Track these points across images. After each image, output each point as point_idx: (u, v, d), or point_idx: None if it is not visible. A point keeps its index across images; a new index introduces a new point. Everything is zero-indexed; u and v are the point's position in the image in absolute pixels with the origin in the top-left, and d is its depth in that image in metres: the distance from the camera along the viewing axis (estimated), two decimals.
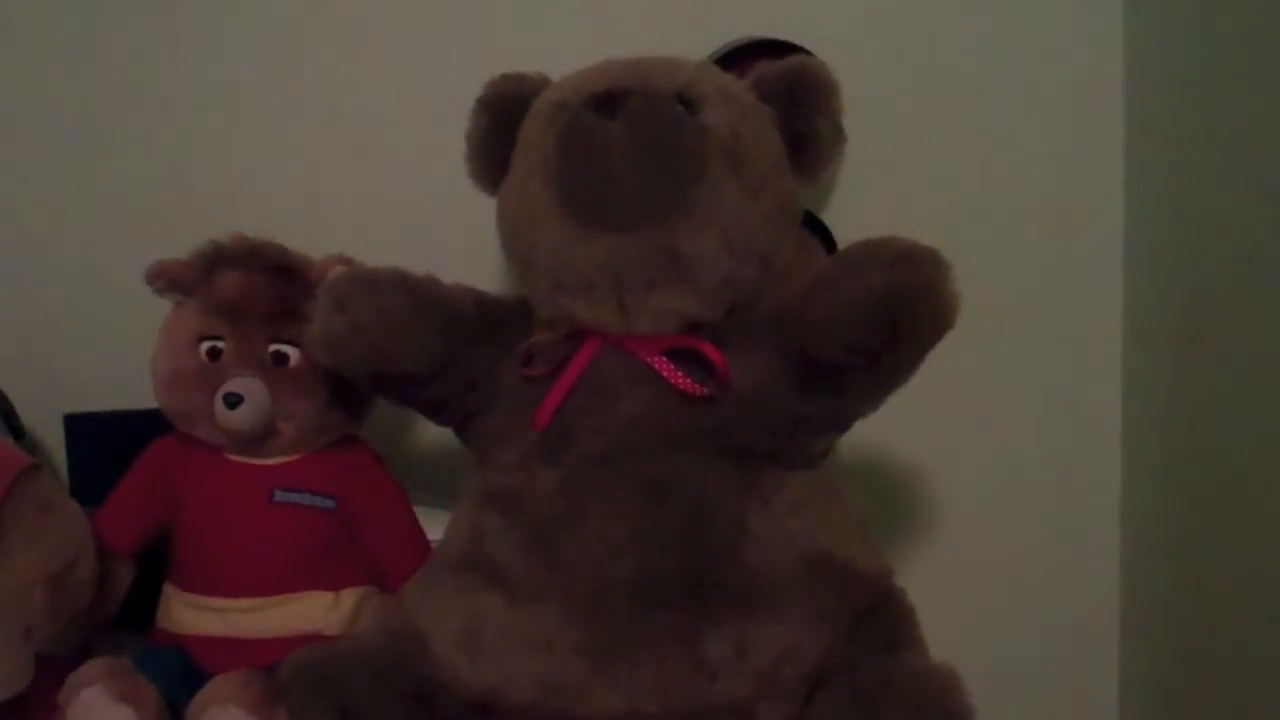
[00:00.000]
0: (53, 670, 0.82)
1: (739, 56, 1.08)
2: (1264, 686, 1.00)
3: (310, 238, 0.94)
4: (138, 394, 0.96)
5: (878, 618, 0.80)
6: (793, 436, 0.82)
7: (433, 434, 1.13)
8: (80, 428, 1.07)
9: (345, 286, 0.83)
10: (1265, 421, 0.99)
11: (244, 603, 0.88)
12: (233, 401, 0.87)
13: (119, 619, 0.92)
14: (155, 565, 0.93)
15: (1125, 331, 1.22)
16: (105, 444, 1.03)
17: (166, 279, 0.92)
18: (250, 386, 0.88)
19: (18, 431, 1.06)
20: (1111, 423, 1.23)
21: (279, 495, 0.90)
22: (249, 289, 0.89)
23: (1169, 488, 1.15)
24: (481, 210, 0.89)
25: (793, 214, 0.85)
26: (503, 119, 0.87)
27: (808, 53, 1.01)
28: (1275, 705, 0.99)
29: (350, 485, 0.92)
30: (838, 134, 0.85)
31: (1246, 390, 1.01)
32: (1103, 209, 1.21)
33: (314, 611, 0.89)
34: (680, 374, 0.80)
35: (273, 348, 0.90)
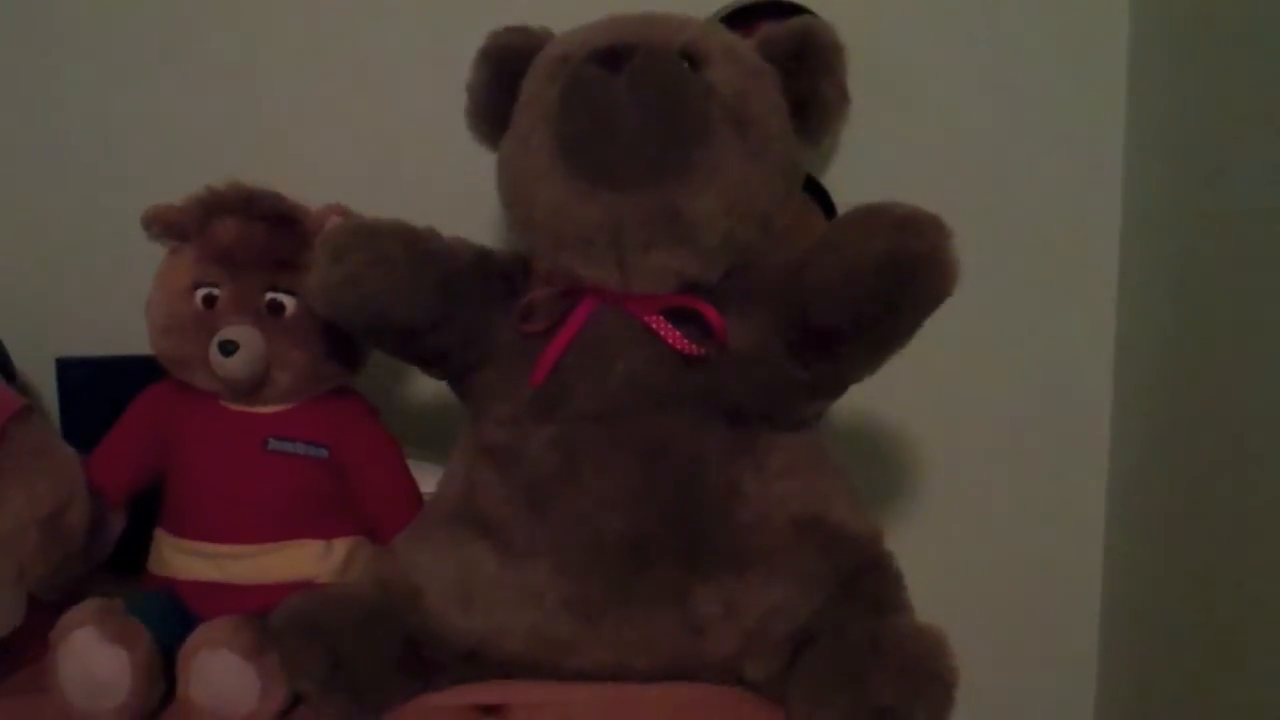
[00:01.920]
0: (45, 612, 0.82)
1: (745, 16, 1.08)
2: (1250, 648, 1.01)
3: (308, 188, 0.93)
4: (131, 339, 0.96)
5: (866, 581, 0.81)
6: (788, 399, 0.83)
7: (428, 387, 1.13)
8: (72, 372, 1.07)
9: (343, 237, 0.83)
10: (1256, 388, 0.99)
11: (236, 549, 0.88)
12: (228, 349, 0.87)
13: (110, 563, 0.92)
14: (147, 509, 0.93)
15: (1120, 298, 1.22)
16: (97, 389, 1.03)
17: (162, 224, 0.91)
18: (246, 334, 0.88)
19: (9, 374, 1.06)
20: (1103, 389, 1.24)
21: (272, 444, 0.90)
22: (246, 237, 0.89)
23: (1157, 455, 1.16)
24: (482, 164, 0.88)
25: (794, 176, 0.85)
26: (505, 72, 0.87)
27: (813, 14, 1.01)
28: (1265, 658, 1.00)
29: (344, 435, 0.92)
30: (842, 97, 0.84)
31: (1238, 358, 1.02)
32: (1103, 177, 1.21)
33: (306, 560, 0.89)
34: (677, 334, 0.80)
35: (269, 296, 0.90)
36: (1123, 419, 1.23)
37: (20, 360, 1.10)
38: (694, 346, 0.80)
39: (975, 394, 1.23)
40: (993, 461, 1.24)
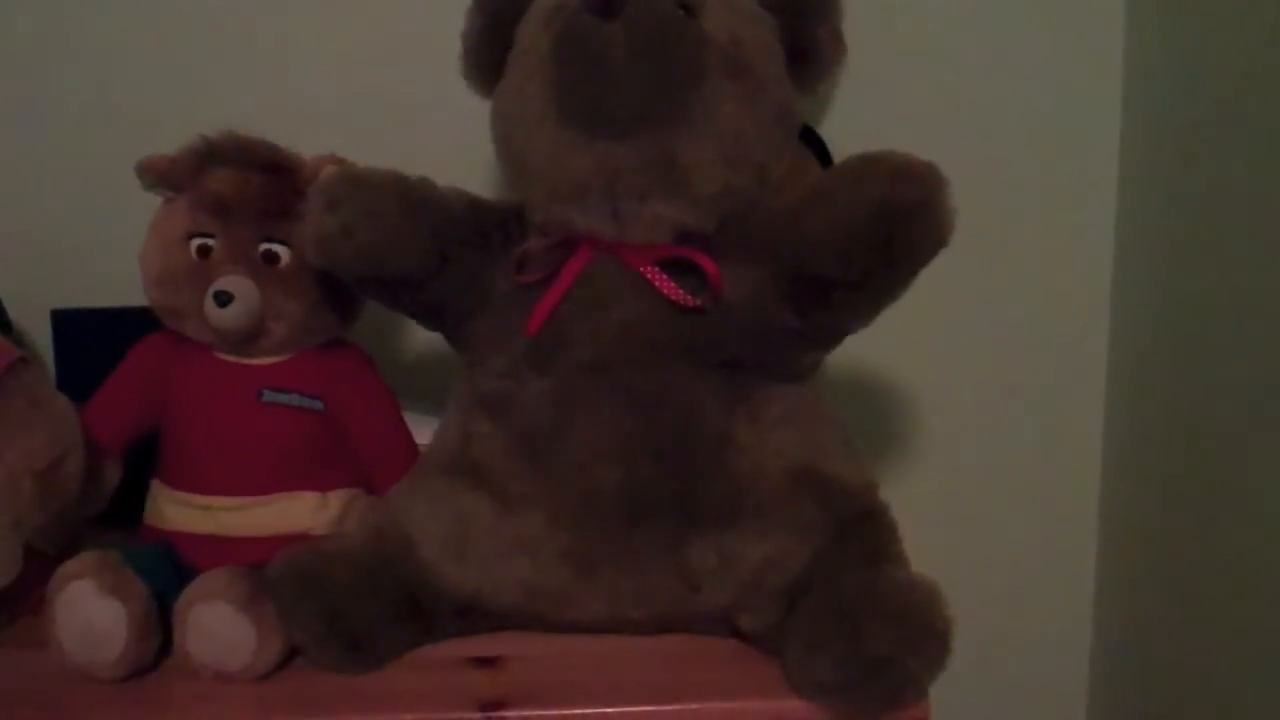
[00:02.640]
0: (41, 564, 0.83)
1: None
2: (1245, 634, 1.01)
3: (302, 139, 0.93)
4: (126, 290, 0.96)
5: (861, 532, 0.81)
6: (783, 350, 0.82)
7: (423, 339, 1.13)
8: (68, 323, 1.07)
9: (338, 187, 0.82)
10: (1250, 379, 0.99)
11: (231, 501, 0.88)
12: (223, 300, 0.86)
13: (107, 515, 0.92)
14: (143, 461, 0.93)
15: (1116, 249, 1.22)
16: (93, 340, 1.02)
17: (156, 174, 0.90)
18: (241, 285, 0.87)
19: (5, 326, 1.06)
20: (1099, 339, 1.24)
21: (267, 395, 0.90)
22: (240, 187, 0.88)
23: (1152, 411, 1.16)
24: (475, 113, 0.88)
25: (791, 125, 0.84)
26: (499, 20, 0.86)
27: None
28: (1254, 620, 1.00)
29: (339, 387, 0.92)
30: (838, 44, 0.84)
31: (1232, 347, 1.02)
32: (1100, 124, 1.20)
33: (301, 512, 0.89)
34: (673, 284, 0.80)
35: (263, 247, 0.89)
36: (1118, 366, 1.23)
37: (15, 312, 1.09)
38: (690, 297, 0.80)
39: (970, 342, 1.23)
40: (988, 410, 1.25)
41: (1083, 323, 1.23)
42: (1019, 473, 1.26)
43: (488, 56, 0.87)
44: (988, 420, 1.25)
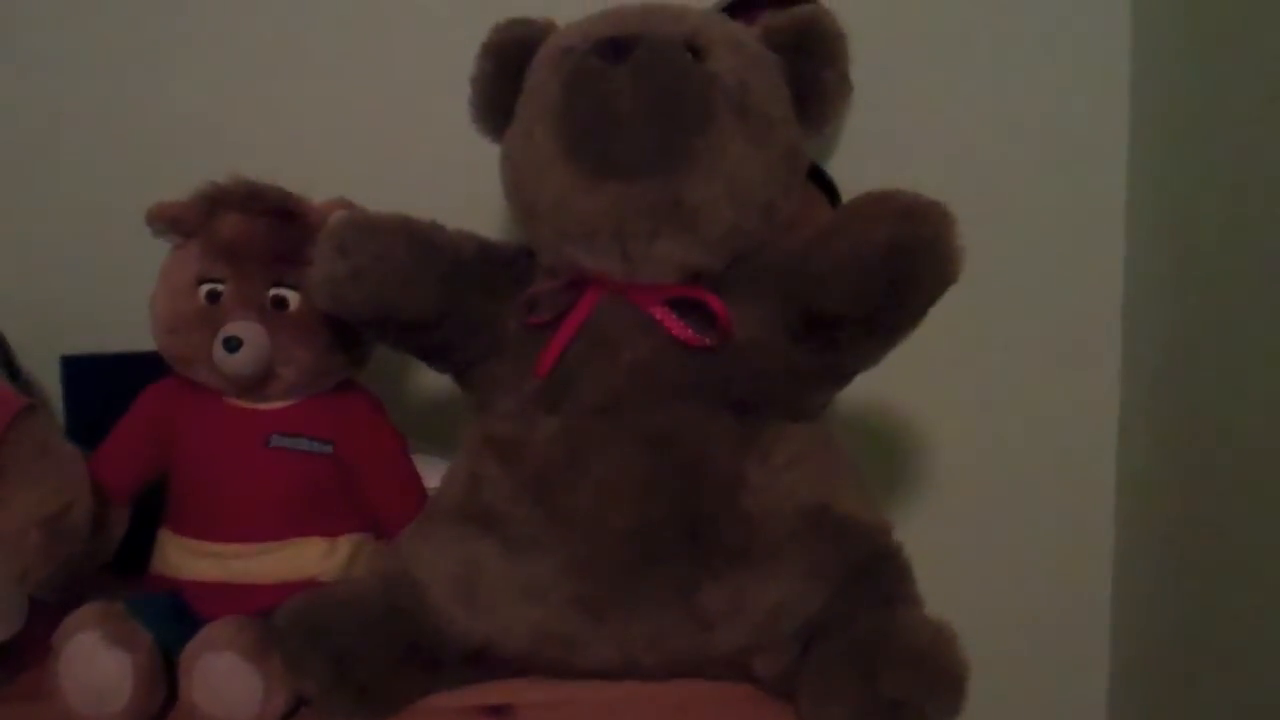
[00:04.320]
0: (47, 614, 0.82)
1: (747, 5, 1.07)
2: (1262, 650, 1.00)
3: (312, 182, 0.93)
4: (135, 336, 0.96)
5: (875, 573, 0.80)
6: (793, 389, 0.82)
7: (432, 382, 1.13)
8: (77, 369, 1.07)
9: (347, 231, 0.83)
10: (1262, 378, 0.99)
11: (240, 548, 0.88)
12: (232, 345, 0.86)
13: (114, 563, 0.91)
14: (151, 509, 0.92)
15: (1126, 285, 1.22)
16: (102, 386, 1.03)
17: (166, 220, 0.91)
18: (250, 330, 0.87)
19: (14, 372, 1.06)
20: (1110, 379, 1.23)
21: (276, 440, 0.89)
22: (249, 232, 0.88)
23: (1165, 447, 1.16)
24: (485, 156, 0.88)
25: (798, 165, 0.85)
26: (508, 64, 0.86)
27: (815, 2, 1.00)
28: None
29: (348, 431, 0.91)
30: (844, 85, 0.84)
31: (1245, 355, 1.01)
32: (1106, 156, 1.20)
33: (310, 558, 0.89)
34: (682, 324, 0.79)
35: (273, 292, 0.89)
36: (1131, 408, 1.22)
37: (25, 358, 1.10)
38: (699, 337, 0.79)
39: (981, 380, 1.23)
40: (1001, 449, 1.24)
41: (1095, 359, 1.23)
42: (1032, 512, 1.25)
43: (497, 100, 0.87)
44: (1000, 458, 1.24)
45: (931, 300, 0.77)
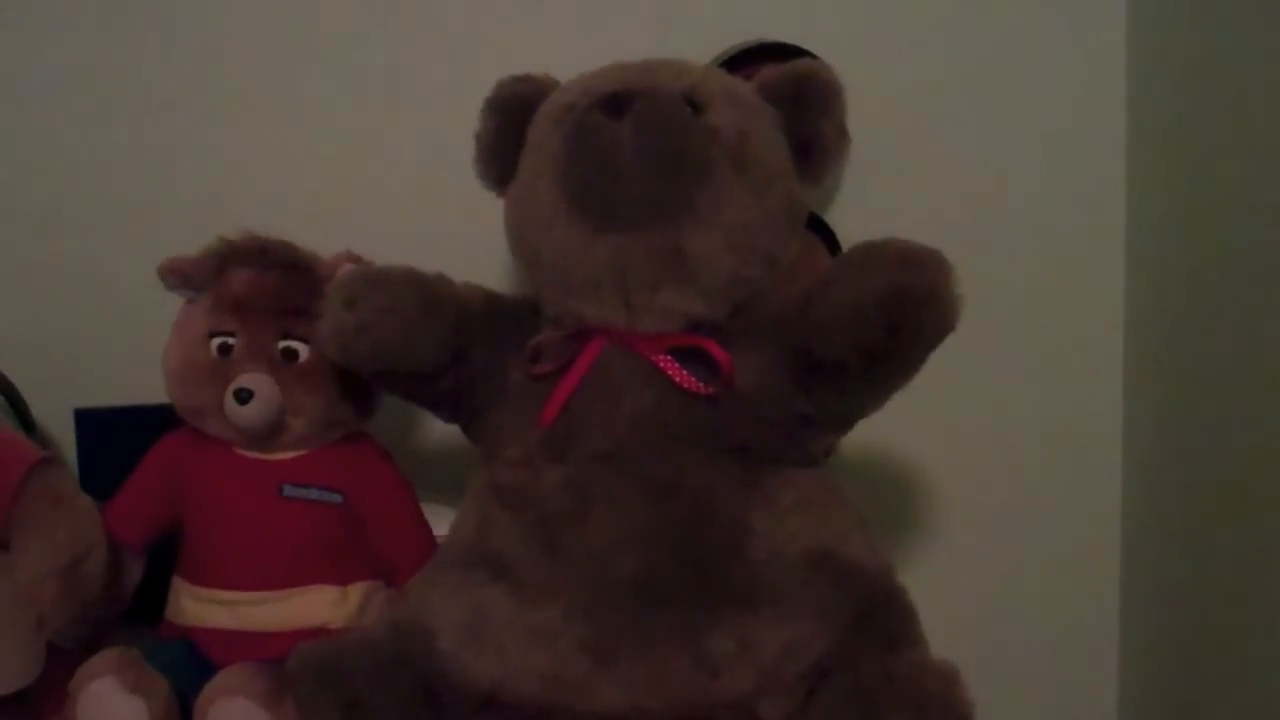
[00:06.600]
0: (63, 661, 0.83)
1: (745, 60, 1.09)
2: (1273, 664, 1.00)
3: (319, 236, 0.94)
4: (148, 389, 0.97)
5: (879, 616, 0.80)
6: (795, 436, 0.83)
7: (440, 431, 1.14)
8: (90, 422, 1.07)
9: (355, 284, 0.84)
10: (1265, 412, 0.99)
11: (252, 596, 0.89)
12: (243, 397, 0.88)
13: (129, 612, 0.92)
14: (165, 559, 0.93)
15: (1126, 329, 1.22)
16: (115, 439, 1.03)
17: (178, 275, 0.92)
18: (260, 382, 0.89)
19: (28, 425, 1.07)
20: (1112, 422, 1.23)
21: (287, 490, 0.91)
22: (259, 286, 0.90)
23: (1169, 488, 1.15)
24: (489, 210, 0.89)
25: (797, 215, 0.86)
26: (511, 120, 0.88)
27: (813, 56, 1.02)
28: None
29: (358, 480, 0.93)
30: (842, 136, 0.85)
31: (1245, 387, 1.02)
32: (1105, 206, 1.21)
33: (321, 605, 0.90)
34: (685, 372, 0.81)
35: (282, 344, 0.91)
36: (1133, 449, 1.22)
37: (39, 411, 1.10)
38: (702, 385, 0.80)
39: (983, 423, 1.23)
40: (1004, 490, 1.24)
41: (1096, 399, 1.23)
42: (1036, 553, 1.25)
43: (501, 155, 0.89)
44: (1003, 499, 1.24)
45: (930, 347, 0.78)
